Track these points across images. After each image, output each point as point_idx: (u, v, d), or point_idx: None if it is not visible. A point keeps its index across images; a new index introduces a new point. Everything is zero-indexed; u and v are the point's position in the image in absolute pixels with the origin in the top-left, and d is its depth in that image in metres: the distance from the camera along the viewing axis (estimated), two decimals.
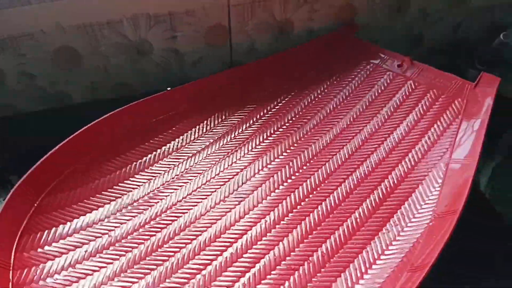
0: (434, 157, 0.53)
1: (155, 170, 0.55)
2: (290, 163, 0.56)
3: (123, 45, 0.64)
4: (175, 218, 0.50)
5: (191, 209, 0.51)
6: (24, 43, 0.60)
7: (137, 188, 0.53)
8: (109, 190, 0.52)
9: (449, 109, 0.58)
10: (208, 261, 0.46)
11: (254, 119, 0.62)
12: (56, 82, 0.65)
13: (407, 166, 0.53)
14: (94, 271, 0.45)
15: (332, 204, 0.51)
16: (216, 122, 0.61)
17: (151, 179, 0.54)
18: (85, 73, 0.66)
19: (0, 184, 0.58)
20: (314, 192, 0.52)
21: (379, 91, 0.63)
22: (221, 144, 0.59)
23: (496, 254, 0.53)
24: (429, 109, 0.59)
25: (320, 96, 0.64)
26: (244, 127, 0.61)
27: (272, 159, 0.57)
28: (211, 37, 0.68)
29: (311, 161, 0.56)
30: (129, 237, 0.48)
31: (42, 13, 0.58)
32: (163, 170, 0.55)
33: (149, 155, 0.57)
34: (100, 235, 0.48)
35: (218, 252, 0.47)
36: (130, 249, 0.47)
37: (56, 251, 0.45)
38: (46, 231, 0.47)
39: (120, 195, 0.52)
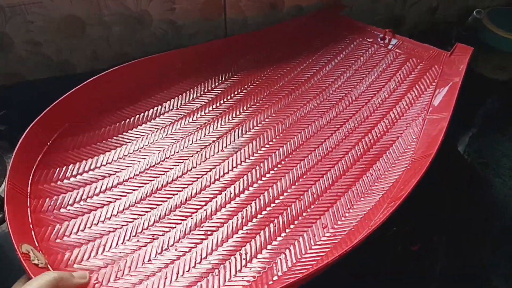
0: (412, 114, 0.60)
1: (158, 122, 0.61)
2: (282, 121, 0.62)
3: (125, 15, 0.69)
4: (177, 164, 0.56)
5: (192, 156, 0.57)
6: (33, 10, 0.63)
7: (142, 136, 0.59)
8: (115, 137, 0.58)
9: (426, 74, 0.65)
10: (209, 199, 0.52)
11: (247, 85, 0.68)
12: (60, 51, 0.70)
13: (389, 122, 0.60)
14: (104, 205, 0.50)
15: (321, 153, 0.57)
16: (212, 85, 0.67)
17: (155, 130, 0.60)
18: (88, 42, 0.71)
19: (9, 142, 0.63)
20: (305, 144, 0.58)
21: (363, 61, 0.70)
22: (218, 104, 0.65)
23: None
24: (408, 75, 0.66)
25: (308, 66, 0.71)
26: (238, 91, 0.67)
27: (264, 117, 0.63)
28: (207, 11, 0.74)
29: (301, 120, 0.62)
30: (136, 177, 0.53)
31: None
32: (165, 124, 0.61)
33: (154, 109, 0.63)
34: (108, 175, 0.53)
35: (217, 192, 0.53)
36: (137, 188, 0.52)
37: (68, 186, 0.51)
38: (58, 168, 0.52)
39: (127, 142, 0.57)
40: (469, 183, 0.61)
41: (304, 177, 0.54)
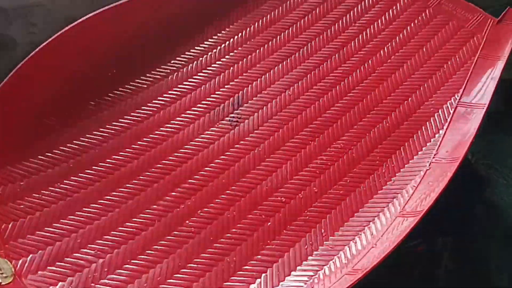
0: (443, 97, 0.52)
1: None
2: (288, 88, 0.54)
3: None
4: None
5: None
6: (35, 12, 0.60)
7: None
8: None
9: (466, 45, 0.55)
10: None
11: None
12: None
13: (414, 102, 0.52)
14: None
15: (332, 135, 0.50)
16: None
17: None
18: None
19: None
20: (311, 123, 0.51)
21: (395, 15, 0.59)
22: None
23: None
24: (445, 43, 0.56)
25: (331, 15, 0.60)
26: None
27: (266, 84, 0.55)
28: None
29: (322, 80, 0.54)
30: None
31: None
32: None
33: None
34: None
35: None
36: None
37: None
38: None
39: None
40: (472, 183, 0.56)
41: (307, 167, 0.48)
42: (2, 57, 0.61)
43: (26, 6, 0.60)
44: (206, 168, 0.48)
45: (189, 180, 0.47)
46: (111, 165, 0.48)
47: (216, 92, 0.54)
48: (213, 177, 0.47)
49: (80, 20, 0.52)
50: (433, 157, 0.47)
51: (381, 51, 0.56)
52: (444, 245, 0.52)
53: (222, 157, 0.49)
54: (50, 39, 0.50)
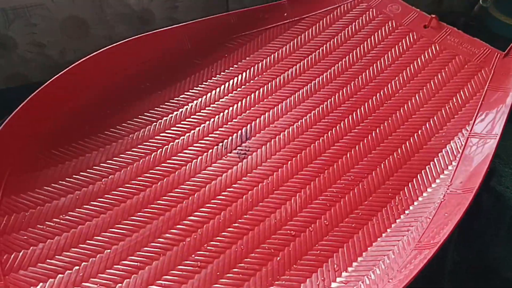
0: (453, 128, 0.51)
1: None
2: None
3: (127, 14, 0.65)
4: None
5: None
6: (36, 12, 0.61)
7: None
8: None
9: (474, 78, 0.55)
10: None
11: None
12: (64, 52, 0.65)
13: (425, 134, 0.51)
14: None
15: (342, 167, 0.49)
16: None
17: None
18: (91, 42, 0.65)
19: None
20: (323, 152, 0.51)
21: (402, 51, 0.59)
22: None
23: None
24: (452, 76, 0.56)
25: (340, 49, 0.61)
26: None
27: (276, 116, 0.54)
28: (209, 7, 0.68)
29: (321, 122, 0.53)
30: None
31: None
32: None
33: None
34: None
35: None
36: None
37: None
38: None
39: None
40: None
41: (317, 200, 0.47)
42: (2, 57, 0.63)
43: (26, 7, 0.60)
44: (214, 201, 0.47)
45: (196, 213, 0.46)
46: (117, 197, 0.47)
47: (225, 126, 0.53)
48: (221, 209, 0.46)
49: (90, 55, 0.52)
50: (448, 188, 0.45)
51: (389, 85, 0.56)
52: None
53: (229, 189, 0.48)
54: (59, 74, 0.50)
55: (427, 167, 0.48)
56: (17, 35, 0.62)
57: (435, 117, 0.52)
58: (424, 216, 0.44)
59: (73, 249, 0.43)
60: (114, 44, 0.53)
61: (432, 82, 0.56)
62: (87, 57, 0.52)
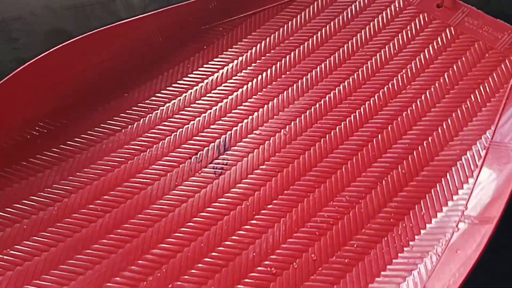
0: (471, 135, 0.42)
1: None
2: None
3: None
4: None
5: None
6: (16, 27, 0.57)
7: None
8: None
9: (497, 69, 0.46)
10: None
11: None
12: None
13: (436, 143, 0.43)
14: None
15: (336, 185, 0.41)
16: None
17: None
18: None
19: None
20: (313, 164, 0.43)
21: (410, 37, 0.50)
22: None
23: None
24: (471, 68, 0.47)
25: (338, 36, 0.52)
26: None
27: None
28: None
29: (324, 117, 0.46)
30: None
31: None
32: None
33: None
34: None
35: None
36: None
37: None
38: None
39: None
40: None
41: (304, 227, 0.39)
42: None
43: (6, 21, 0.56)
44: (182, 229, 0.40)
45: (161, 245, 0.39)
46: (71, 226, 0.40)
47: (200, 134, 0.46)
48: (191, 240, 0.39)
49: (43, 54, 0.45)
50: (462, 216, 0.37)
51: (395, 80, 0.48)
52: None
53: (202, 214, 0.41)
54: (8, 76, 0.43)
55: (437, 185, 0.40)
56: None
57: (448, 120, 0.44)
58: (432, 252, 0.36)
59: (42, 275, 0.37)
60: (68, 41, 0.45)
61: (446, 76, 0.47)
62: (41, 55, 0.45)
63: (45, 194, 0.42)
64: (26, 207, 0.41)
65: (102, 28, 0.47)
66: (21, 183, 0.42)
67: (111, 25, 0.47)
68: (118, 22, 0.48)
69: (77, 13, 0.58)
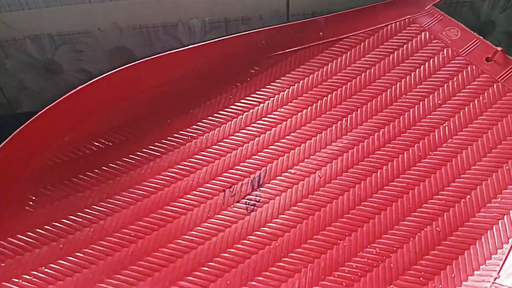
0: (509, 198, 0.42)
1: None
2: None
3: (176, 48, 0.59)
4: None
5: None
6: (82, 39, 0.61)
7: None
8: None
9: None
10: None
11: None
12: None
13: (473, 202, 0.43)
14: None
15: (367, 236, 0.42)
16: None
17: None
18: None
19: None
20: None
21: (457, 86, 0.51)
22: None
23: None
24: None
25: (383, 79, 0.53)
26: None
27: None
28: None
29: (360, 162, 0.47)
30: None
31: (100, 12, 0.58)
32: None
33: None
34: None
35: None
36: None
37: None
38: None
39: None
40: None
41: (331, 276, 0.39)
42: (48, 79, 0.64)
43: (72, 33, 0.60)
44: (210, 263, 0.41)
45: (188, 277, 0.40)
46: (104, 249, 0.42)
47: (235, 167, 0.47)
48: (217, 275, 0.40)
49: (89, 82, 0.47)
50: (493, 282, 0.37)
51: (436, 131, 0.48)
52: None
53: (230, 250, 0.42)
54: (55, 102, 0.46)
55: (471, 247, 0.40)
56: (63, 60, 0.63)
57: (488, 181, 0.44)
58: None
59: None
60: (115, 70, 0.48)
61: (489, 133, 0.47)
62: (87, 83, 0.47)
63: (83, 215, 0.44)
64: (64, 226, 0.43)
65: (153, 57, 0.49)
66: (61, 202, 0.44)
67: (161, 54, 0.50)
68: (170, 51, 0.50)
69: (141, 33, 0.61)
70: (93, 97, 0.47)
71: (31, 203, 0.44)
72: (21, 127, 0.44)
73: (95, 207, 0.44)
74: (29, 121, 0.44)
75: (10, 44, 0.60)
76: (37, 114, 0.44)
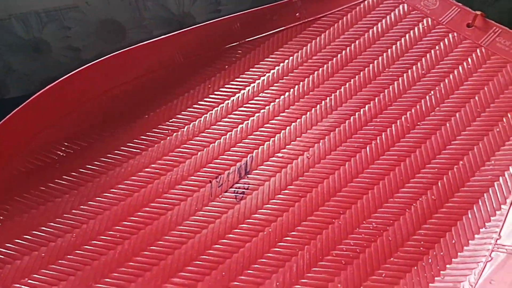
0: (504, 159, 0.43)
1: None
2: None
3: (166, 19, 0.62)
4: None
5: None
6: (70, 15, 0.59)
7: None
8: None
9: None
10: None
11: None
12: (100, 56, 0.59)
13: (467, 168, 0.43)
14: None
15: (362, 212, 0.42)
16: None
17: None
18: (128, 47, 0.58)
19: None
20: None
21: (439, 56, 0.51)
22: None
23: None
24: (503, 90, 0.47)
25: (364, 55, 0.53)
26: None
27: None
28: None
29: (349, 139, 0.47)
30: None
31: None
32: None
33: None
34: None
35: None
36: None
37: None
38: None
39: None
40: None
41: (329, 255, 0.39)
42: (36, 60, 0.62)
43: (60, 9, 0.59)
44: (203, 257, 0.40)
45: (181, 273, 0.40)
46: (89, 253, 0.41)
47: (220, 156, 0.47)
48: (211, 268, 0.40)
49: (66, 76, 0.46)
50: (495, 244, 0.37)
51: (423, 101, 0.48)
52: None
53: (222, 241, 0.41)
54: (24, 103, 0.45)
55: (469, 212, 0.40)
56: (50, 38, 0.61)
57: (480, 144, 0.44)
58: (465, 282, 0.36)
59: None
60: (88, 64, 0.47)
61: (477, 98, 0.47)
62: (61, 79, 0.46)
63: (63, 220, 0.43)
64: (44, 234, 0.42)
65: (125, 50, 0.49)
66: (39, 209, 0.43)
67: (132, 46, 0.49)
68: (141, 43, 0.50)
69: (129, 4, 0.60)
70: (62, 97, 0.46)
71: (5, 212, 0.43)
72: None
73: (75, 211, 0.43)
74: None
75: None
76: (3, 121, 0.43)
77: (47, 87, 0.45)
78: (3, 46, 0.61)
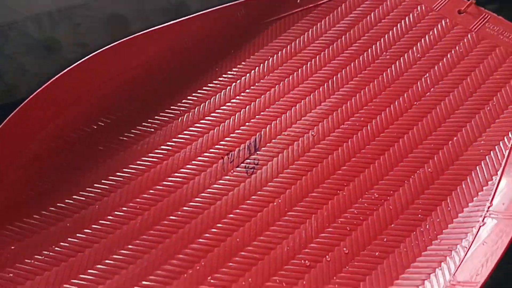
0: (494, 135, 0.47)
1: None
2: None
3: (167, 10, 0.63)
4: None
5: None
6: (79, 12, 0.61)
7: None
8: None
9: None
10: None
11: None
12: None
13: (460, 143, 0.47)
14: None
15: (364, 183, 0.45)
16: None
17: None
18: None
19: None
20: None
21: (433, 42, 0.55)
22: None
23: None
24: (493, 72, 0.51)
25: (361, 41, 0.57)
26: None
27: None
28: None
29: (351, 118, 0.50)
30: None
31: None
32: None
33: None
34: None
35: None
36: None
37: None
38: None
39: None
40: None
41: (336, 223, 0.43)
42: (47, 58, 0.63)
43: (71, 7, 0.61)
44: (218, 225, 0.44)
45: (199, 240, 0.43)
46: (111, 223, 0.44)
47: (231, 135, 0.50)
48: (226, 235, 0.43)
49: (70, 67, 0.49)
50: (487, 210, 0.41)
51: (418, 83, 0.52)
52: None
53: (236, 211, 0.45)
54: (45, 85, 0.48)
55: (463, 182, 0.44)
56: (61, 36, 0.63)
57: (472, 122, 0.48)
58: (460, 244, 0.40)
59: (64, 285, 0.41)
60: (98, 51, 0.50)
61: (468, 79, 0.51)
62: (68, 68, 0.49)
63: (86, 194, 0.46)
64: (68, 206, 0.45)
65: (137, 34, 0.52)
66: (64, 184, 0.46)
67: (144, 31, 0.52)
68: (151, 29, 0.53)
69: None
70: (76, 85, 0.49)
71: (40, 184, 0.46)
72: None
73: (97, 185, 0.47)
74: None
75: (11, 28, 0.60)
76: (17, 109, 0.46)
77: (56, 77, 0.48)
78: (18, 48, 0.62)
